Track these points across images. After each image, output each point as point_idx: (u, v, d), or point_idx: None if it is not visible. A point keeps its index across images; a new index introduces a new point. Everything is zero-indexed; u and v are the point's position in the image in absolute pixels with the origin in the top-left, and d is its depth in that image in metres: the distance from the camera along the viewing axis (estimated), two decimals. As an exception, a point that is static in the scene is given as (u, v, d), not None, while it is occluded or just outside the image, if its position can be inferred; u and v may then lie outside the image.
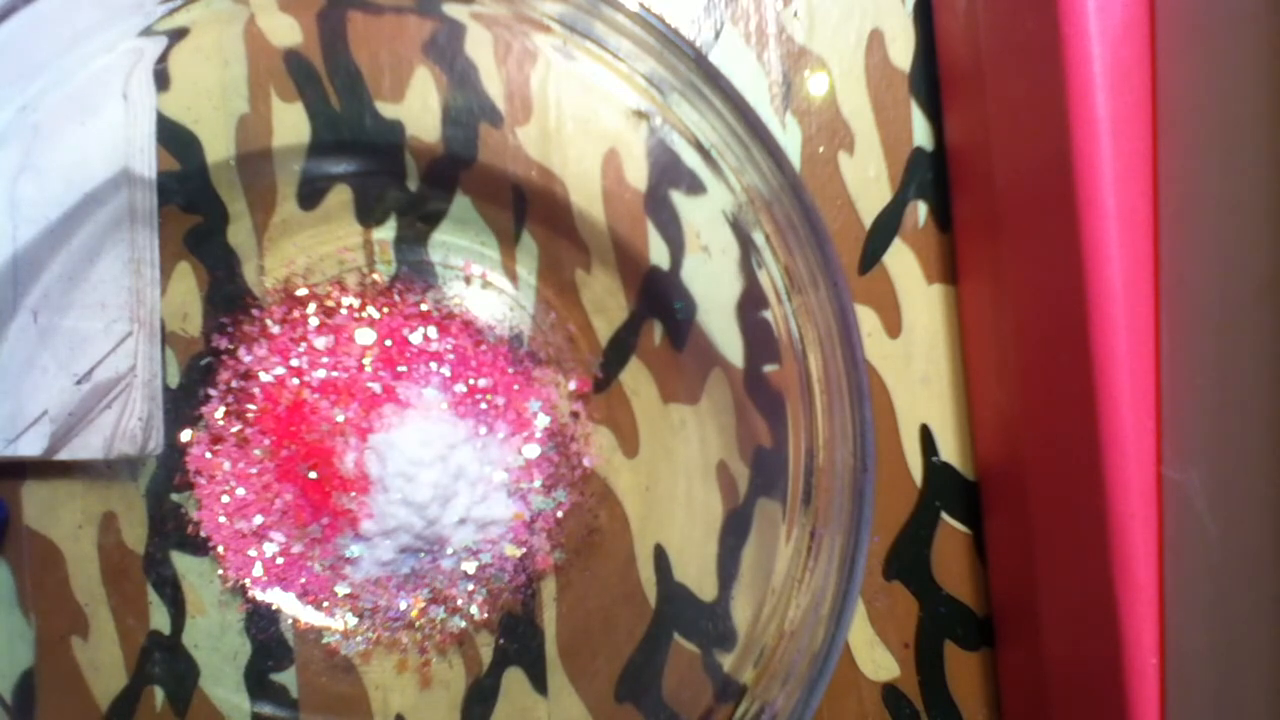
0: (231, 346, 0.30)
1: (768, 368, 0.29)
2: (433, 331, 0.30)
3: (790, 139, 0.31)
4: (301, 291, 0.30)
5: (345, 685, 0.30)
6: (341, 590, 0.30)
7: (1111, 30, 0.23)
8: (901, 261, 0.31)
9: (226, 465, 0.30)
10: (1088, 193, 0.23)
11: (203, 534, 0.30)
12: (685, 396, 0.30)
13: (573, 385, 0.31)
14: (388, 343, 0.30)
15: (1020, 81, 0.26)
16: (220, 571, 0.30)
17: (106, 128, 0.28)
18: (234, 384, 0.30)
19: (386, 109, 0.30)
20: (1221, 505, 0.22)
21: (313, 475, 0.29)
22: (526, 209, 0.30)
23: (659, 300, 0.30)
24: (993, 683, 0.31)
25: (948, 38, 0.30)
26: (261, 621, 0.30)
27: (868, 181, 0.31)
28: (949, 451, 0.31)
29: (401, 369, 0.30)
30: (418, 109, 0.30)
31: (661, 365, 0.30)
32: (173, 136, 0.30)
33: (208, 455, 0.30)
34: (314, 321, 0.30)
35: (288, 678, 0.30)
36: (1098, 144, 0.23)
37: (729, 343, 0.29)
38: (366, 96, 0.30)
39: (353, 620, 0.30)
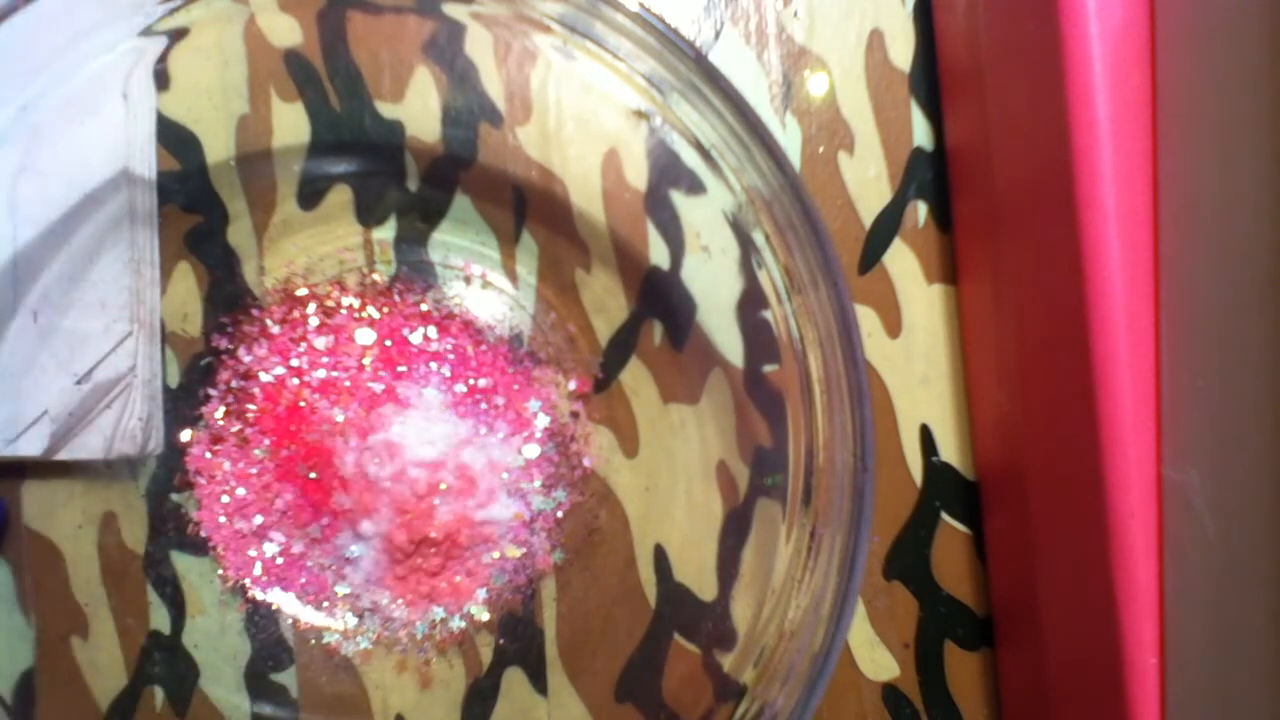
0: (231, 346, 0.30)
1: (768, 368, 0.29)
2: (433, 331, 0.30)
3: (790, 139, 0.31)
4: (301, 291, 0.30)
5: (345, 685, 0.30)
6: (341, 590, 0.30)
7: (1111, 30, 0.23)
8: (901, 261, 0.31)
9: (226, 465, 0.30)
10: (1088, 193, 0.23)
11: (203, 534, 0.30)
12: (685, 396, 0.30)
13: (573, 385, 0.31)
14: (388, 343, 0.30)
15: (1020, 81, 0.26)
16: (220, 571, 0.30)
17: (106, 128, 0.28)
18: (234, 384, 0.30)
19: (386, 109, 0.30)
20: (1221, 505, 0.22)
21: (313, 475, 0.29)
22: (526, 209, 0.30)
23: (659, 300, 0.30)
24: (993, 683, 0.31)
25: (948, 38, 0.30)
26: (261, 621, 0.30)
27: (868, 181, 0.31)
28: (949, 451, 0.31)
29: (401, 369, 0.30)
30: (418, 109, 0.30)
31: (661, 365, 0.30)
32: (173, 136, 0.30)
33: (208, 455, 0.30)
34: (314, 321, 0.30)
35: (288, 678, 0.30)
36: (1098, 144, 0.23)
37: (729, 343, 0.29)
38: (366, 96, 0.30)
39: (353, 620, 0.30)
